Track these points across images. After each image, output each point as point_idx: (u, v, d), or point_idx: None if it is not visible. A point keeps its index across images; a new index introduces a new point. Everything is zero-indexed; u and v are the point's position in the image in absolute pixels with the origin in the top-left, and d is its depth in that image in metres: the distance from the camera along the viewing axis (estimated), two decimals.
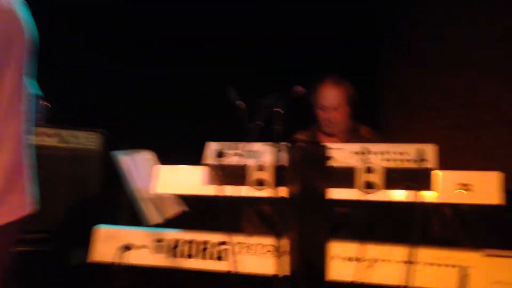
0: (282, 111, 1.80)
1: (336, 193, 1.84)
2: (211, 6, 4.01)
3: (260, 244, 2.02)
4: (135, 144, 2.75)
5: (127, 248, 2.13)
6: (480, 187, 1.72)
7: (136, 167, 2.38)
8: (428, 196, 1.76)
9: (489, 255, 1.76)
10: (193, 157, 2.09)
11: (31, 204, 1.56)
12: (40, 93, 1.74)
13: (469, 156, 4.33)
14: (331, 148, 1.84)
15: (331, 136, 2.72)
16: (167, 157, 2.40)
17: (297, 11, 4.22)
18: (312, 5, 4.25)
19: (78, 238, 2.58)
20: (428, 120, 4.68)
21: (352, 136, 2.69)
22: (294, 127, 2.83)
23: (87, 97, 3.60)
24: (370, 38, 4.80)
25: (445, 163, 4.46)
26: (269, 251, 1.99)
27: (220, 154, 1.98)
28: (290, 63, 4.22)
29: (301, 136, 2.78)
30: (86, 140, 3.39)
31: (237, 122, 2.01)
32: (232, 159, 1.97)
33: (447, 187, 1.76)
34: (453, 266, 1.78)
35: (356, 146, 1.85)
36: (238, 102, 2.08)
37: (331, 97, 2.63)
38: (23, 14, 1.55)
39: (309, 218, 1.84)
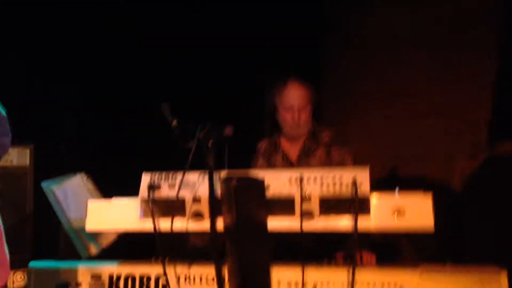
0: (213, 144, 1.74)
1: (273, 223, 1.81)
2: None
3: (201, 274, 1.98)
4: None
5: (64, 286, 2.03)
6: (414, 210, 1.74)
7: (69, 197, 2.27)
8: (365, 221, 1.76)
9: (424, 273, 1.80)
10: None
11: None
12: None
13: (411, 145, 4.45)
14: (268, 177, 1.82)
15: (294, 140, 2.59)
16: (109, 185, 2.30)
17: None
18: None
19: None
20: (370, 110, 4.75)
21: (312, 141, 2.57)
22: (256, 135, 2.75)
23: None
24: (313, 26, 4.76)
25: (389, 154, 4.51)
26: (211, 279, 1.96)
27: (154, 187, 1.91)
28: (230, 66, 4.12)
29: (263, 144, 2.66)
30: (14, 156, 3.17)
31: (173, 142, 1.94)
32: (167, 192, 1.91)
33: (382, 212, 1.77)
34: (394, 284, 1.81)
35: (293, 173, 1.84)
36: (172, 121, 1.99)
37: (299, 96, 2.49)
38: None
39: (249, 249, 1.81)
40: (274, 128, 2.65)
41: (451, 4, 4.06)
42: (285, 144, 2.62)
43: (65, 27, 3.53)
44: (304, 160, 2.54)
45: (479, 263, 1.83)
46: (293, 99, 2.50)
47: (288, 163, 2.57)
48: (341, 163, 2.48)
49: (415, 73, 4.36)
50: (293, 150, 2.60)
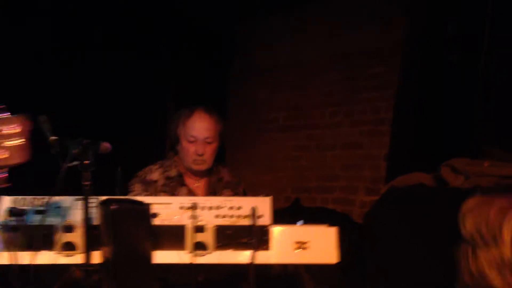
0: (90, 163, 1.47)
1: (161, 257, 1.56)
2: None
3: None
4: None
5: None
6: (317, 245, 1.60)
7: None
8: (264, 256, 1.58)
9: None
10: None
11: None
12: None
13: (314, 177, 4.43)
14: (157, 203, 1.58)
15: (196, 176, 2.29)
16: None
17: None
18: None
19: None
20: (276, 140, 4.70)
21: (215, 179, 2.32)
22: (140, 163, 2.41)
23: None
24: (217, 59, 4.70)
25: (292, 185, 4.45)
26: None
27: (15, 213, 1.58)
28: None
29: (154, 175, 2.27)
30: None
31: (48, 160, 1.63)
32: (32, 218, 1.58)
33: (284, 245, 1.60)
34: None
35: (185, 200, 1.61)
36: (51, 137, 1.67)
37: (205, 128, 2.21)
38: None
39: (129, 285, 1.54)
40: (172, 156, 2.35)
41: (355, 40, 4.16)
42: (188, 180, 2.32)
43: None
44: None
45: None
46: (199, 130, 2.21)
47: None
48: None
49: (320, 104, 4.40)
50: (197, 186, 2.33)
